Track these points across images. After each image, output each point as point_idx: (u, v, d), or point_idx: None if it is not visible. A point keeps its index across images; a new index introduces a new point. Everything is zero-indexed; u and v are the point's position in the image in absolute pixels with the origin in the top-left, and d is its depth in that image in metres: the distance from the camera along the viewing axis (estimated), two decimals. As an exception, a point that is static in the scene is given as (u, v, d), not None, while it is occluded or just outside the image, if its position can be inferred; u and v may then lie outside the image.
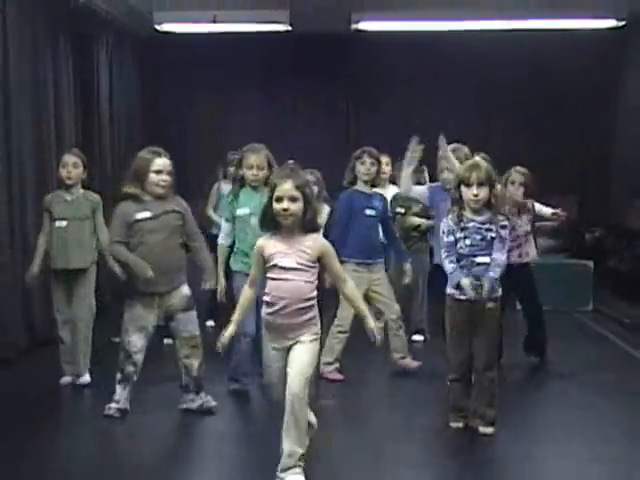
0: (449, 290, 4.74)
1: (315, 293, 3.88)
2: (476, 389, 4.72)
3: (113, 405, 5.00)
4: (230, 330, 3.94)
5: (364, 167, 6.07)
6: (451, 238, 4.68)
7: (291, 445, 3.77)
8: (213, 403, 5.16)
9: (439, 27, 10.22)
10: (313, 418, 4.07)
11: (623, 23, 9.98)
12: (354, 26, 10.14)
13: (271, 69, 11.33)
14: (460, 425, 4.74)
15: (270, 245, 3.86)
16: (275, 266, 3.83)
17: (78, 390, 5.76)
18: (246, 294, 3.99)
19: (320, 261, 3.87)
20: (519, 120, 11.70)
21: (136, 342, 4.99)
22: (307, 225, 3.86)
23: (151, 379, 5.40)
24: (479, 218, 4.66)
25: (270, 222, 3.86)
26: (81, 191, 5.98)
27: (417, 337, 7.40)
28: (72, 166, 5.91)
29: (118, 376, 5.02)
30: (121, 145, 9.96)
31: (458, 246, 4.66)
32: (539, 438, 4.67)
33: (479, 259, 4.63)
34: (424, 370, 6.08)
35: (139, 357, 5.01)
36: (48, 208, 5.91)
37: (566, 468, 4.21)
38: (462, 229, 4.65)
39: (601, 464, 4.25)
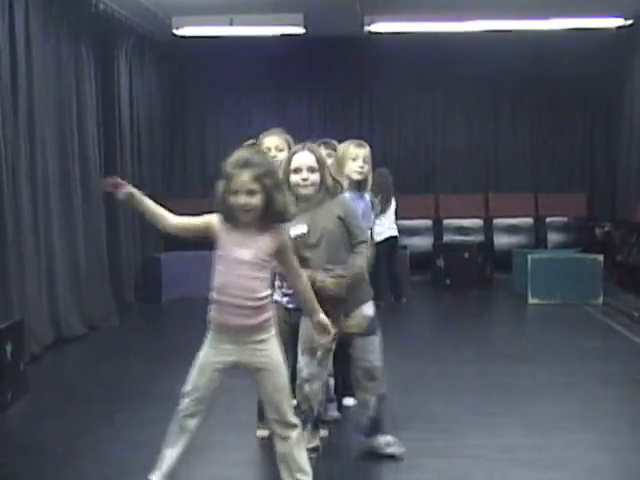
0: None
1: (269, 292, 3.37)
2: None
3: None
4: None
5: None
6: None
7: None
8: (390, 450, 4.24)
9: (450, 28, 10.25)
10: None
11: (631, 22, 9.98)
12: (367, 28, 10.19)
13: (286, 71, 11.40)
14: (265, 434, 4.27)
15: (225, 230, 3.29)
16: (228, 257, 3.27)
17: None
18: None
19: (276, 255, 3.34)
20: (528, 119, 11.76)
21: (305, 367, 4.07)
22: (270, 218, 3.28)
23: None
24: None
25: (227, 216, 3.28)
26: None
27: None
28: None
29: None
30: (142, 149, 10.06)
31: None
32: (550, 428, 4.69)
33: None
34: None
35: (313, 387, 4.07)
36: None
37: (576, 457, 4.23)
38: None
39: (611, 453, 4.28)
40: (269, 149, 4.75)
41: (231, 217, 3.27)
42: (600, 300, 8.90)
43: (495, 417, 4.94)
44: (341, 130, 11.42)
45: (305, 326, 3.97)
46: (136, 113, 9.85)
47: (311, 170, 3.99)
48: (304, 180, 3.98)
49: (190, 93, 11.70)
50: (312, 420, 4.17)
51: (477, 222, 11.64)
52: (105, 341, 7.65)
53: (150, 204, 3.35)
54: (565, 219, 11.58)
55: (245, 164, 3.22)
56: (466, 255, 10.23)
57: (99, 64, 8.59)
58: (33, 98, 6.91)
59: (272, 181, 3.26)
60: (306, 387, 4.07)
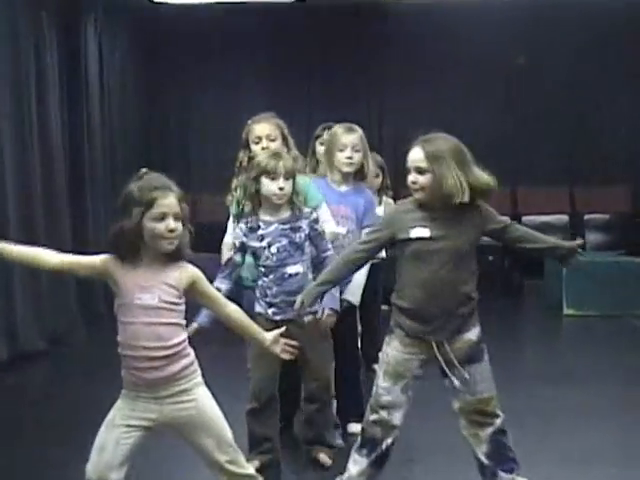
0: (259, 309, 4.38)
1: (185, 336, 3.30)
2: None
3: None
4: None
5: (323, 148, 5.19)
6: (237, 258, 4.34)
7: None
8: None
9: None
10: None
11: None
12: (376, -5, 10.16)
13: (281, 44, 11.37)
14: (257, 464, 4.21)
15: (122, 273, 3.20)
16: (130, 304, 3.19)
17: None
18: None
19: (190, 291, 3.29)
20: (561, 100, 11.67)
21: (387, 393, 3.91)
22: (179, 251, 3.23)
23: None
24: (280, 217, 4.34)
25: (131, 248, 3.18)
26: None
27: None
28: None
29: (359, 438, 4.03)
30: (114, 134, 10.02)
31: (264, 256, 4.31)
32: (588, 461, 4.68)
33: (290, 269, 4.30)
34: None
35: (392, 416, 3.95)
36: None
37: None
38: (262, 236, 4.31)
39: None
40: (260, 139, 4.68)
41: (134, 253, 3.19)
42: (647, 310, 8.89)
43: (525, 448, 4.83)
44: (346, 114, 11.33)
45: (392, 347, 3.86)
46: (107, 91, 9.81)
47: (419, 171, 3.76)
48: (413, 183, 3.78)
49: (169, 68, 11.66)
50: (375, 454, 3.93)
51: (503, 220, 11.61)
52: (70, 357, 7.62)
53: (24, 252, 3.39)
54: (606, 216, 11.56)
55: (167, 186, 3.18)
56: (490, 258, 10.21)
57: (63, 34, 8.53)
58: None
59: (186, 208, 3.25)
60: (383, 414, 3.90)
